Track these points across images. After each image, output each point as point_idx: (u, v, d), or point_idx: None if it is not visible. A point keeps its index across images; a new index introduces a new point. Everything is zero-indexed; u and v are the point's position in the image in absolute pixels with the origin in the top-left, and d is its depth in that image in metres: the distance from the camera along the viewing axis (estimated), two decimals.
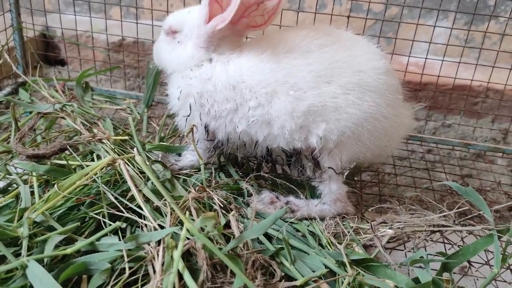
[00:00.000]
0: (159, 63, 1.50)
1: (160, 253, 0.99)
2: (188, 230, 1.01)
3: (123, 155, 1.34)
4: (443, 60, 1.94)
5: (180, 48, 1.38)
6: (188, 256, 1.05)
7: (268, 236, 1.23)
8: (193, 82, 1.34)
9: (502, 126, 2.36)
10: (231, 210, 1.25)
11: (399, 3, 2.32)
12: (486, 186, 1.85)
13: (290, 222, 1.31)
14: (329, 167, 1.34)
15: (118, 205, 1.18)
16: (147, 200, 1.20)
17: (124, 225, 1.14)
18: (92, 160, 1.38)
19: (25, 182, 1.26)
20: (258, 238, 1.19)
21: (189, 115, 1.39)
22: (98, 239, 1.05)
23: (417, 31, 1.90)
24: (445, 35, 2.32)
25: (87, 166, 1.24)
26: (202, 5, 1.30)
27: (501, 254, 1.10)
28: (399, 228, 1.32)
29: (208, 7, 1.28)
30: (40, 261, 0.97)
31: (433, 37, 1.92)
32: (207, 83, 1.32)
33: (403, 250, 1.32)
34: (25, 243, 1.01)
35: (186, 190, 1.32)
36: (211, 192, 1.26)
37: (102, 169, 1.22)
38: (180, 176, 1.43)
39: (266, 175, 1.51)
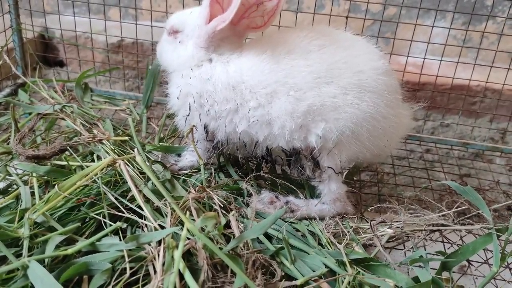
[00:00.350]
0: (162, 62, 1.50)
1: (161, 253, 1.00)
2: (188, 230, 1.02)
3: (123, 155, 1.34)
4: (441, 60, 1.94)
5: (181, 47, 1.38)
6: (188, 256, 1.05)
7: (268, 236, 1.23)
8: (192, 81, 1.34)
9: (500, 126, 2.37)
10: (231, 210, 1.26)
11: (397, 3, 2.32)
12: (485, 185, 1.86)
13: (290, 222, 1.31)
14: (328, 167, 1.35)
15: (119, 205, 1.18)
16: (147, 200, 1.20)
17: (124, 225, 1.14)
18: (92, 160, 1.37)
19: (25, 183, 1.26)
20: (258, 238, 1.19)
21: (188, 115, 1.39)
22: (99, 240, 1.05)
23: (415, 31, 1.90)
24: (443, 35, 2.32)
25: (87, 166, 1.25)
26: (203, 5, 1.30)
27: (500, 253, 1.10)
28: (399, 227, 1.33)
29: (209, 7, 1.28)
30: (41, 261, 0.97)
31: (431, 37, 1.93)
32: (207, 83, 1.32)
33: (402, 250, 1.33)
34: (26, 243, 1.01)
35: (186, 190, 1.32)
36: (211, 192, 1.27)
37: (102, 169, 1.22)
38: (180, 176, 1.43)
39: (266, 175, 1.51)
